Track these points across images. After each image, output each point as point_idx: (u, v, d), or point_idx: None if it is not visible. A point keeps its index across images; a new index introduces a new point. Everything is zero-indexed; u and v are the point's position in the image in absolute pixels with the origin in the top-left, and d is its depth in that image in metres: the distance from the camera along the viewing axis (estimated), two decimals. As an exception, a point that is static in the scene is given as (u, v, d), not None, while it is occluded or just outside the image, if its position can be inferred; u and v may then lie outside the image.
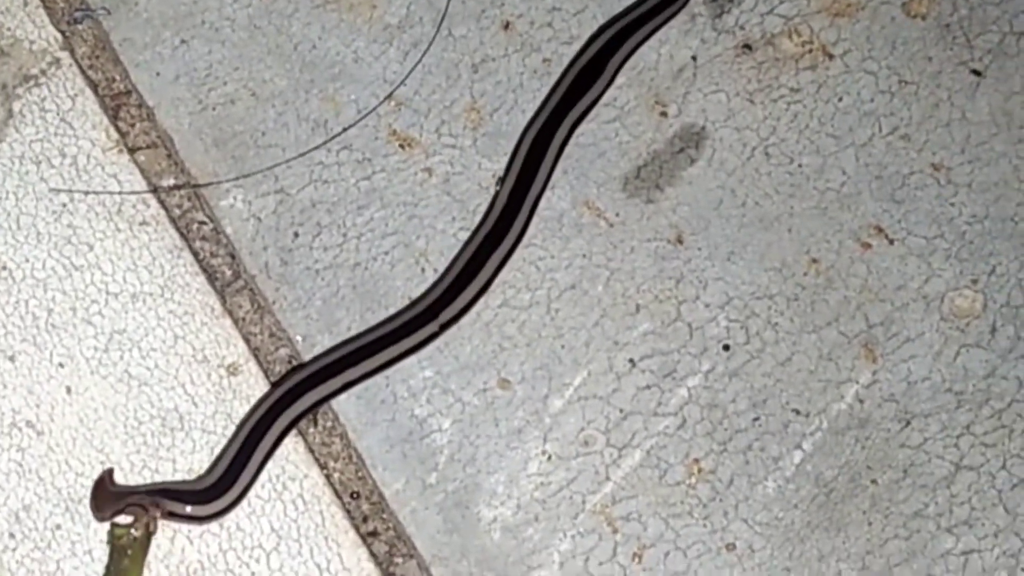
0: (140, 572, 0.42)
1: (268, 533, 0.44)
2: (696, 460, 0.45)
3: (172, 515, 0.41)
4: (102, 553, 0.42)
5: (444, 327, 0.46)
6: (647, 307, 0.47)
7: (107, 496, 0.42)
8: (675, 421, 0.46)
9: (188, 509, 0.41)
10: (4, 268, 0.45)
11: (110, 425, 0.44)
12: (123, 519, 0.42)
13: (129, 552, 0.42)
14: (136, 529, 0.42)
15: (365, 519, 0.45)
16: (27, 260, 0.46)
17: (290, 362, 0.46)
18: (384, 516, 0.45)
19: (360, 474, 0.45)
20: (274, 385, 0.44)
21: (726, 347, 0.47)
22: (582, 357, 0.46)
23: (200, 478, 0.43)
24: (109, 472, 0.41)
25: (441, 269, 0.47)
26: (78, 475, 0.44)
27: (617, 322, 0.47)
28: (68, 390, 0.44)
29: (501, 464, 0.45)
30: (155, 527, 0.42)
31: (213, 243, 0.47)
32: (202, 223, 0.47)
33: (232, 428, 0.45)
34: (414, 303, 0.46)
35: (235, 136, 0.47)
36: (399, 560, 0.45)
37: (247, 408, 0.45)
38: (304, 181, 0.47)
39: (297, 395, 0.43)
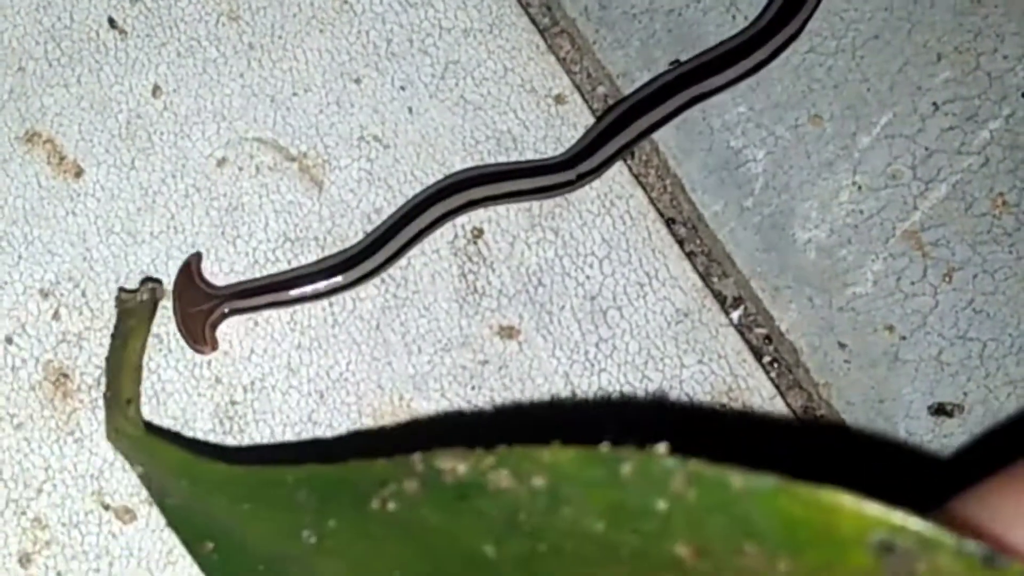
0: (147, 333, 0.42)
1: (599, 243, 0.46)
2: (1001, 194, 0.48)
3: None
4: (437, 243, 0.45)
5: (755, 69, 0.48)
6: (947, 56, 0.49)
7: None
8: (978, 160, 0.48)
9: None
10: (346, 2, 0.48)
11: (449, 143, 0.47)
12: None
13: (135, 315, 0.42)
14: (143, 295, 0.42)
15: (681, 242, 0.47)
16: (366, -4, 0.48)
17: (606, 100, 0.49)
18: (701, 238, 0.47)
19: (674, 202, 0.48)
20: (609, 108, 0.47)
21: (1024, 95, 0.49)
22: (887, 99, 0.49)
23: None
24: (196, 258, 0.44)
25: (752, 17, 0.49)
26: (422, 184, 0.46)
27: (919, 69, 0.49)
28: (410, 110, 0.47)
29: (813, 192, 0.48)
30: (162, 294, 0.43)
31: (529, -7, 0.50)
32: (519, -25, 0.50)
33: (560, 150, 0.47)
34: (726, 42, 0.48)
35: None
36: (715, 278, 0.47)
37: (576, 135, 0.47)
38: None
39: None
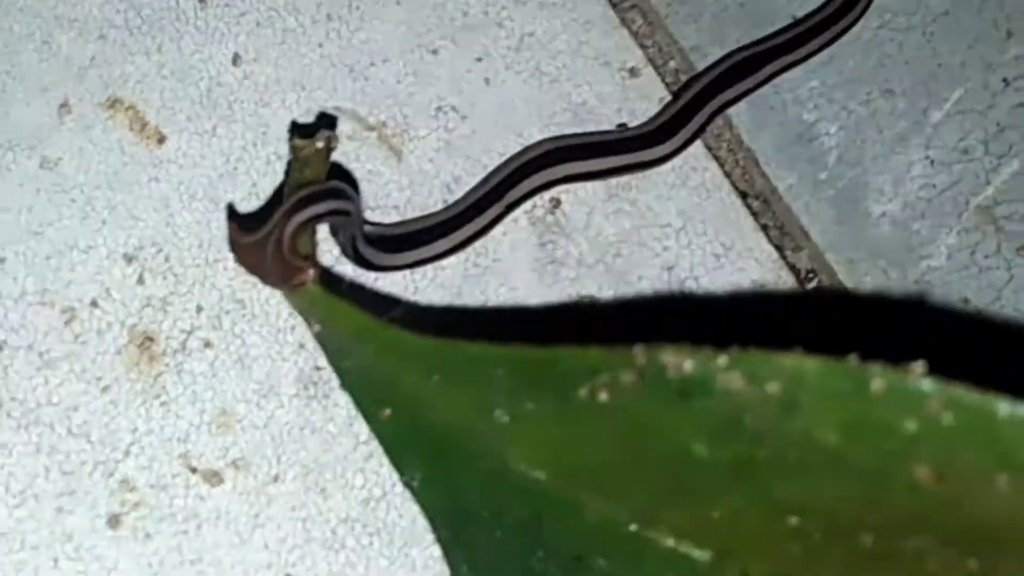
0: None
1: (675, 215, 0.47)
2: (1072, 170, 0.48)
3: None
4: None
5: (829, 43, 0.49)
6: (1017, 34, 0.50)
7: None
8: (1049, 135, 0.48)
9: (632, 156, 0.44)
10: (421, -26, 0.49)
11: (526, 114, 0.47)
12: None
13: (311, 164, 0.39)
14: (319, 141, 0.38)
15: (756, 215, 0.47)
16: (441, -31, 0.49)
17: (677, 74, 0.49)
18: (774, 211, 0.48)
19: (747, 176, 0.48)
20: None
21: (1094, 72, 0.49)
22: (958, 75, 0.49)
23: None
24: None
25: (821, -6, 0.50)
26: (500, 154, 0.47)
27: (989, 46, 0.50)
28: (486, 81, 0.47)
29: (887, 166, 0.48)
30: (336, 142, 0.39)
31: (601, -31, 0.50)
32: (591, -49, 0.50)
33: (636, 122, 0.47)
34: (802, 21, 0.49)
35: None
36: (790, 251, 0.47)
37: (650, 108, 0.48)
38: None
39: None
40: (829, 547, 0.29)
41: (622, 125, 0.47)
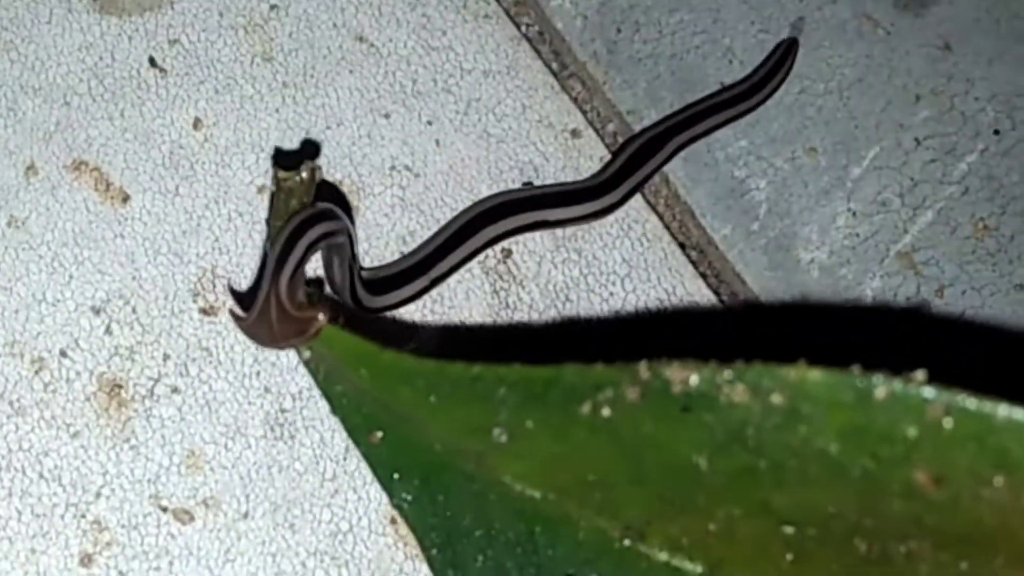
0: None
1: (620, 263, 0.50)
2: (982, 219, 0.52)
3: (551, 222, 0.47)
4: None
5: (755, 106, 0.53)
6: (925, 97, 0.54)
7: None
8: (959, 188, 0.53)
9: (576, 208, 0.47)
10: (372, 45, 0.52)
11: (475, 172, 0.50)
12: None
13: (296, 194, 0.39)
14: (303, 172, 0.38)
15: (694, 263, 0.51)
16: (390, 40, 0.52)
17: (615, 136, 0.53)
18: (710, 260, 0.51)
19: (683, 228, 0.51)
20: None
21: (996, 132, 0.54)
22: (874, 135, 0.53)
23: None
24: None
25: (747, 63, 0.54)
26: (452, 209, 0.49)
27: (901, 109, 0.54)
28: (437, 143, 0.50)
29: (813, 217, 0.52)
30: (320, 172, 0.38)
31: (539, 42, 0.54)
32: (529, 25, 0.54)
33: (578, 179, 0.51)
34: (727, 89, 0.53)
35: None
36: (726, 297, 0.50)
37: (592, 166, 0.51)
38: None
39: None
40: (822, 554, 0.30)
41: (528, 183, 0.50)
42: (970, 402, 0.23)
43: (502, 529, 0.34)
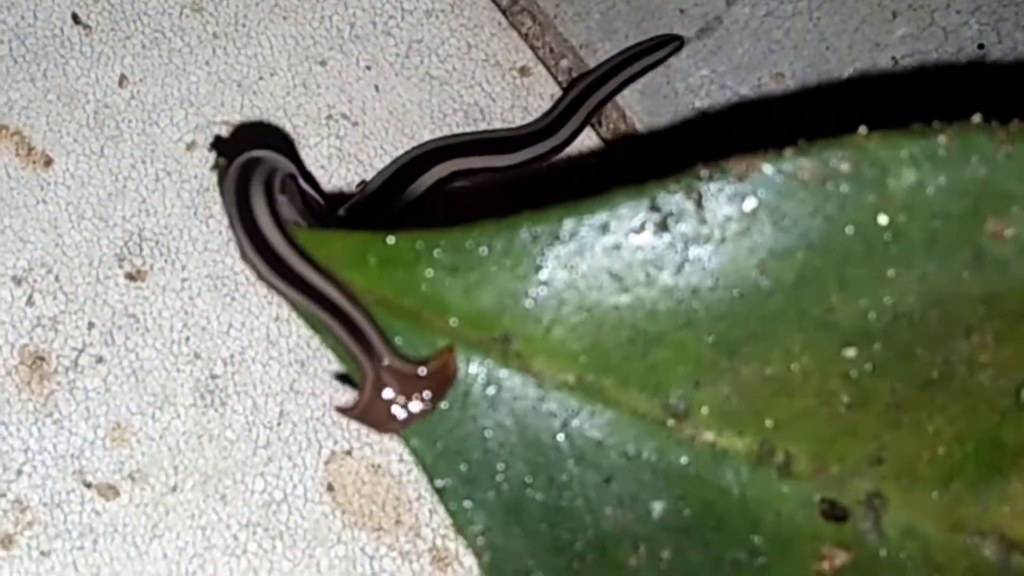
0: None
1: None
2: (964, 139, 0.48)
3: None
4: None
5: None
6: (902, 13, 0.50)
7: None
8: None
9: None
10: (307, -11, 0.49)
11: (417, 117, 0.47)
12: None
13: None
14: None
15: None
16: (327, -17, 0.49)
17: (570, 72, 0.49)
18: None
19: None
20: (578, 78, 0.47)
21: (980, 46, 0.50)
22: (846, 56, 0.50)
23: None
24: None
25: (707, -15, 0.50)
26: (392, 158, 0.46)
27: (876, 27, 0.50)
28: (376, 88, 0.47)
29: (781, 148, 0.48)
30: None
31: (488, -23, 0.50)
32: (477, -40, 0.51)
33: (528, 120, 0.47)
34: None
35: None
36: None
37: (542, 104, 0.48)
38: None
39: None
40: (881, 387, 0.28)
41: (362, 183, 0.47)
42: None
43: (525, 442, 0.30)
